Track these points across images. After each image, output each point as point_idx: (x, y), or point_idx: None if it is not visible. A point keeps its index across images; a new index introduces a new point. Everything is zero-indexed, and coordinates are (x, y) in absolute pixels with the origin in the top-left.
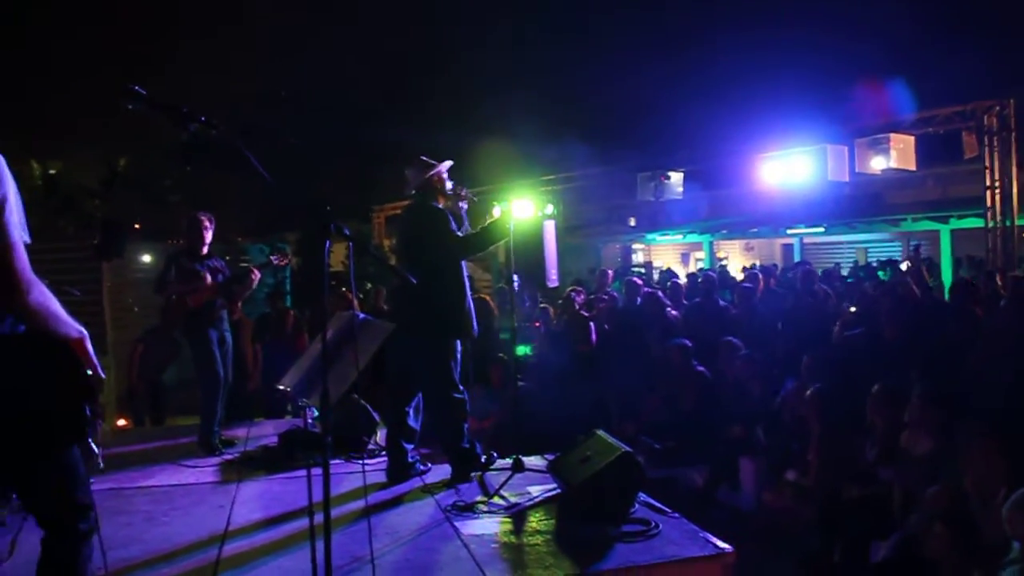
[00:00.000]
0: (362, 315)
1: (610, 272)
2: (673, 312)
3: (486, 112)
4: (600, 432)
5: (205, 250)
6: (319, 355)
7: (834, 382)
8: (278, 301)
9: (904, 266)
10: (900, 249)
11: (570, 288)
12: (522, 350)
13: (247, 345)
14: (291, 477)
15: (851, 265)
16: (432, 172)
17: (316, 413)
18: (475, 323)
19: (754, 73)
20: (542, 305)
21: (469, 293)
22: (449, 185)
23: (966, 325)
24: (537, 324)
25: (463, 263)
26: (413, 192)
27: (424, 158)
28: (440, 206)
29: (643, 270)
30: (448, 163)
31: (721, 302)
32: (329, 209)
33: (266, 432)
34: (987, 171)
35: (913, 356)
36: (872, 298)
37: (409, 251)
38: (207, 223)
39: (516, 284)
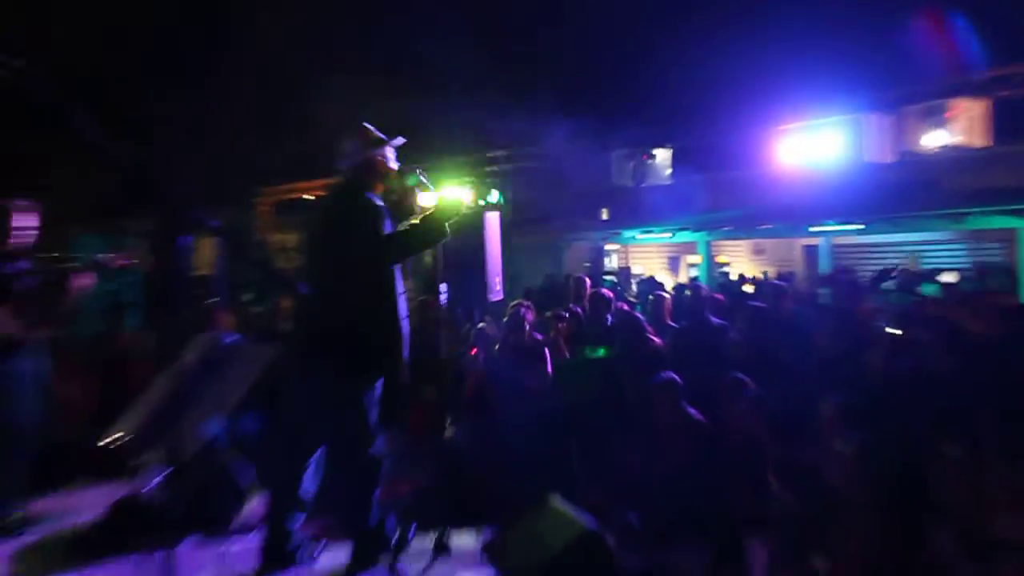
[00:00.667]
0: (231, 337)
1: (588, 281)
2: (654, 338)
3: (405, 62)
4: (555, 501)
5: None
6: (170, 393)
7: (881, 434)
8: (117, 317)
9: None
10: (964, 253)
11: (515, 303)
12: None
13: (71, 378)
14: (123, 566)
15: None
16: (376, 151)
17: (163, 474)
18: (407, 352)
19: (767, 19)
20: (481, 325)
21: (404, 312)
22: (395, 169)
23: None
24: (474, 351)
25: (397, 272)
26: (344, 171)
27: (369, 127)
28: (376, 197)
29: (615, 279)
30: (400, 140)
31: (715, 321)
32: (187, 192)
33: (90, 502)
34: None
35: (982, 397)
36: (917, 319)
37: (324, 252)
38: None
39: (444, 296)
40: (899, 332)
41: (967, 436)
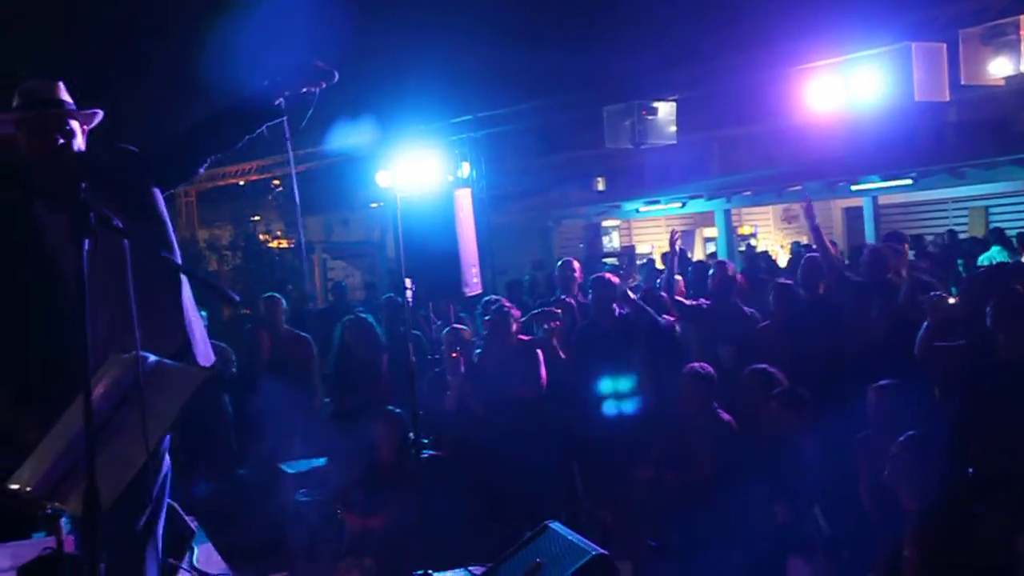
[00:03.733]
0: (152, 357)
1: (576, 264)
2: (667, 318)
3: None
4: (554, 525)
5: None
6: (79, 429)
7: (936, 427)
8: None
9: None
10: None
11: (496, 299)
12: None
13: None
14: None
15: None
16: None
17: (78, 526)
18: None
19: None
20: (456, 326)
21: None
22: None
23: None
24: (455, 355)
25: None
26: None
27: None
28: None
29: (616, 261)
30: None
31: (746, 309)
32: (85, 186)
33: None
34: None
35: None
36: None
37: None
38: None
39: (410, 293)
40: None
41: None
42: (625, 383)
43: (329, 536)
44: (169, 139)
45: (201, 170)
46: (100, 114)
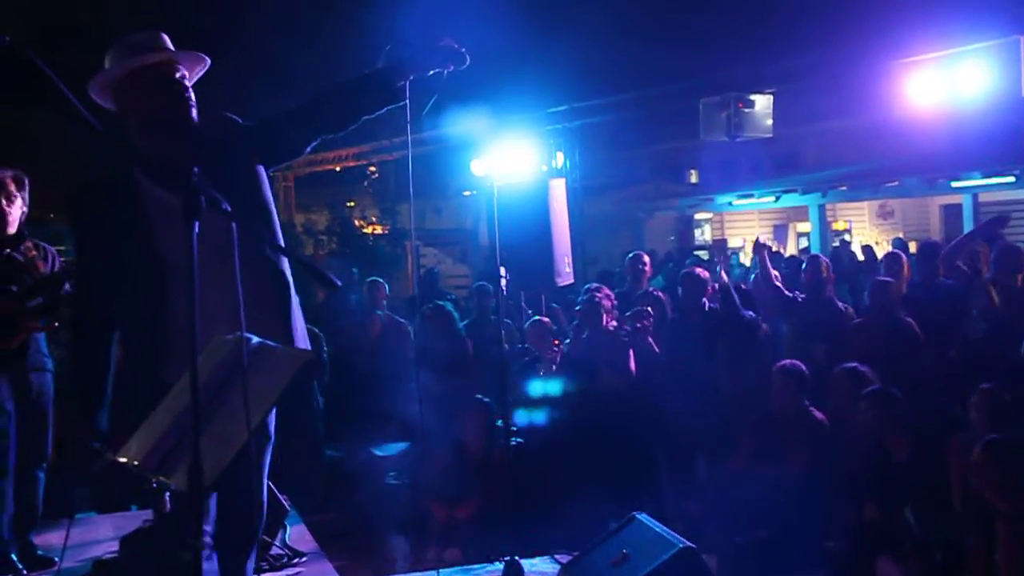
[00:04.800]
0: (256, 338)
1: (646, 258)
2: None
3: None
4: (641, 516)
5: (12, 230)
6: (185, 406)
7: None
8: None
9: None
10: None
11: (588, 288)
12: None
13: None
14: None
15: None
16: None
17: (181, 500)
18: None
19: None
20: (541, 318)
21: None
22: None
23: None
24: (557, 345)
25: None
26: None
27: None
28: None
29: (707, 255)
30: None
31: (840, 304)
32: (197, 171)
33: (98, 535)
34: None
35: None
36: None
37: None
38: (12, 185)
39: (505, 282)
40: None
41: None
42: (713, 377)
43: (417, 521)
44: (279, 113)
45: (308, 150)
46: (208, 62)
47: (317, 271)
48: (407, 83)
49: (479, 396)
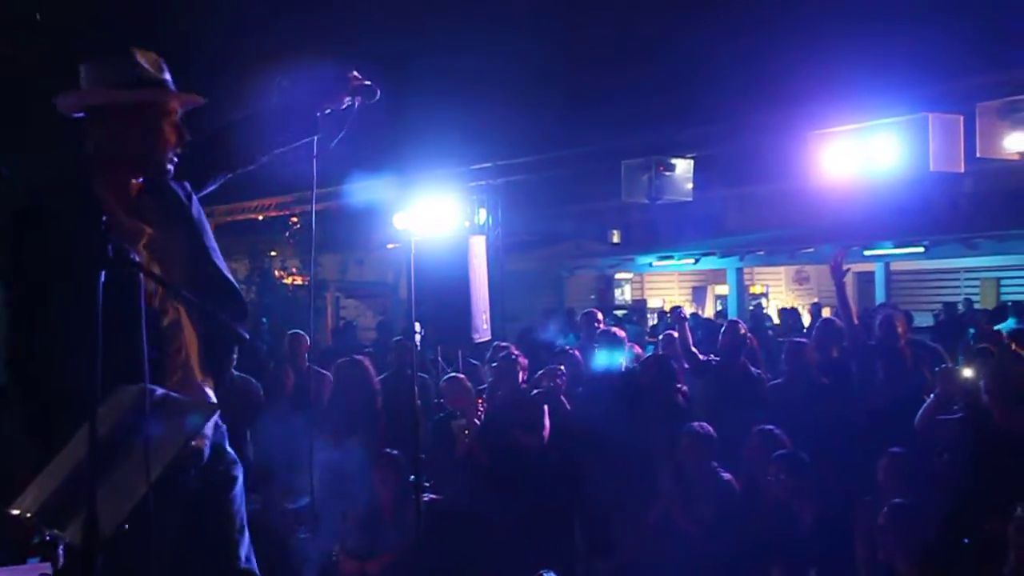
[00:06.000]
0: (160, 389)
1: (599, 315)
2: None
3: (364, 45)
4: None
5: None
6: (83, 457)
7: (930, 495)
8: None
9: None
10: None
11: (502, 346)
12: None
13: None
14: None
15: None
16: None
17: (75, 555)
18: None
19: None
20: (456, 374)
21: None
22: None
23: None
24: (481, 403)
25: None
26: None
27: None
28: None
29: (627, 313)
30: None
31: (753, 369)
32: (106, 219)
33: None
34: None
35: None
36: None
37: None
38: None
39: (419, 337)
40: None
41: None
42: (628, 437)
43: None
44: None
45: (214, 186)
46: (201, 103)
47: (223, 323)
48: (320, 116)
49: (389, 450)
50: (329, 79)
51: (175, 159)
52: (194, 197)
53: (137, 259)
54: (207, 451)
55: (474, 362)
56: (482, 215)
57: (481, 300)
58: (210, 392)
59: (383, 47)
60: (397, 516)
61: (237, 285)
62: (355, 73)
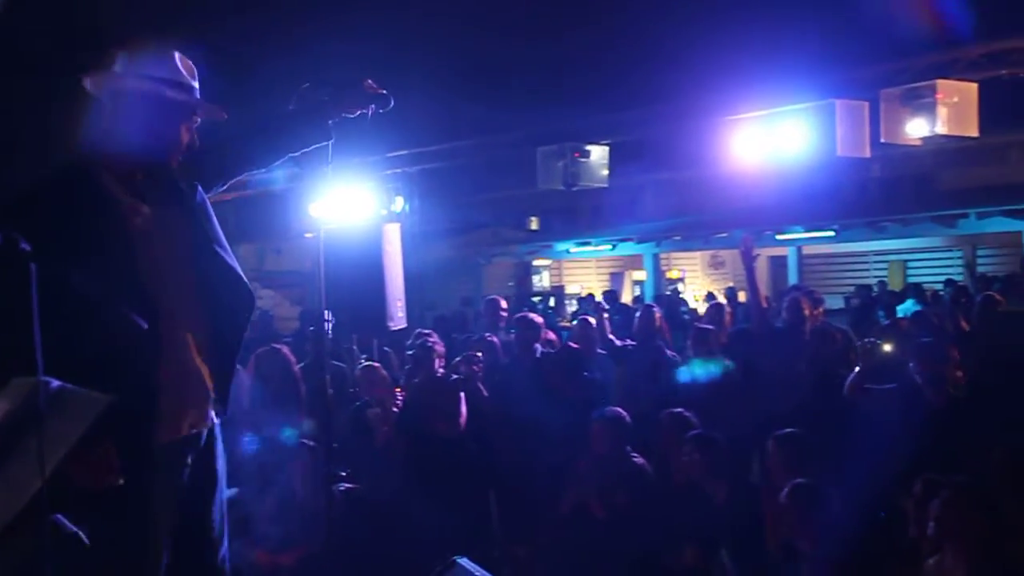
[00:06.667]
0: (55, 382)
1: (503, 303)
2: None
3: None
4: (462, 561)
5: None
6: None
7: (834, 474)
8: None
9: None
10: (961, 262)
11: (419, 333)
12: None
13: None
14: None
15: (875, 287)
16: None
17: None
18: None
19: None
20: (372, 363)
21: None
22: None
23: None
24: (399, 391)
25: None
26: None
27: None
28: None
29: (541, 299)
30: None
31: (668, 352)
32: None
33: None
34: None
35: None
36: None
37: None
38: None
39: (329, 325)
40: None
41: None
42: (545, 422)
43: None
44: (204, 143)
45: (223, 187)
46: (224, 117)
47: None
48: (333, 123)
49: (304, 440)
50: (346, 88)
51: (179, 159)
52: (199, 188)
53: (27, 249)
54: (204, 437)
55: (387, 350)
56: (399, 203)
57: (396, 288)
58: (208, 382)
59: (294, 35)
60: (312, 507)
61: (244, 277)
62: (370, 81)
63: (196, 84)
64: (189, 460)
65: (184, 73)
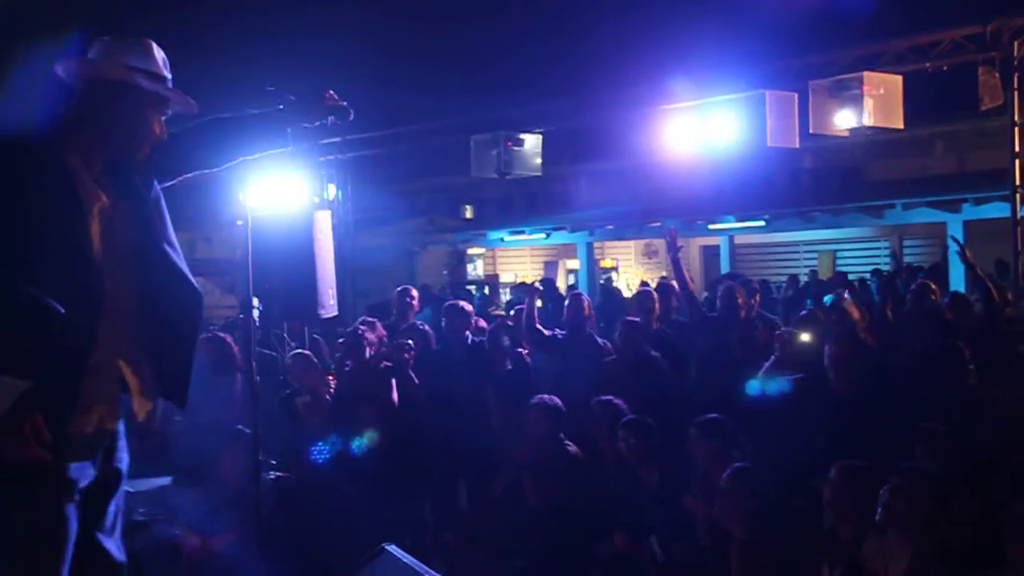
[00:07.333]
0: None
1: (414, 291)
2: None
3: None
4: (391, 548)
5: None
6: None
7: (766, 459)
8: None
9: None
10: (888, 251)
11: (358, 323)
12: None
13: None
14: None
15: (806, 277)
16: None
17: None
18: None
19: None
20: (303, 351)
21: None
22: None
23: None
24: (331, 378)
25: None
26: None
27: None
28: None
29: (475, 289)
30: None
31: (599, 340)
32: None
33: None
34: (1016, 129)
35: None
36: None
37: None
38: None
39: (257, 313)
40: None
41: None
42: (474, 409)
43: (165, 557)
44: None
45: (175, 180)
46: (194, 108)
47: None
48: (292, 131)
49: (238, 427)
50: (307, 98)
51: (147, 150)
52: (155, 184)
53: None
54: (111, 438)
55: (317, 337)
56: (331, 190)
57: (328, 276)
58: (131, 379)
59: (228, 25)
60: (241, 494)
61: (191, 277)
62: (331, 92)
63: (169, 75)
64: (98, 455)
65: (159, 63)
